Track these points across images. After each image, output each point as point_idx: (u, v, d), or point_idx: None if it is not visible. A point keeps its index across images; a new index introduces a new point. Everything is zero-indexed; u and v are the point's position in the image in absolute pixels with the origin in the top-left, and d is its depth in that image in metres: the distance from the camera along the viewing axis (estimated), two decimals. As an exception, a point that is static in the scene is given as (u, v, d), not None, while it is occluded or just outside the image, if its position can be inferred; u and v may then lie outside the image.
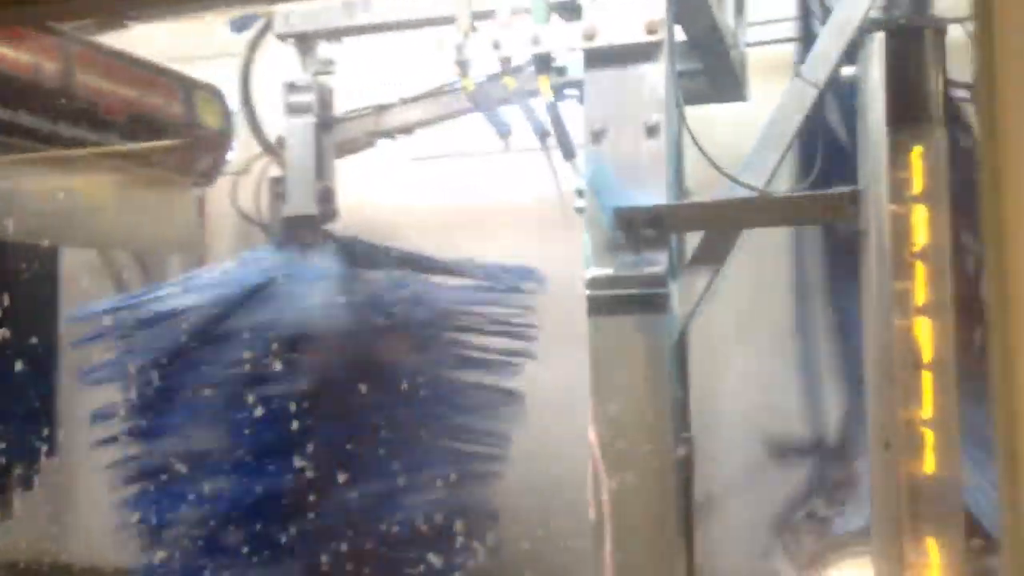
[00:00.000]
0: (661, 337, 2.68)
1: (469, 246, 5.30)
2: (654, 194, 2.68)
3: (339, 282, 4.16)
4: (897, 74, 2.40)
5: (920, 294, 2.46)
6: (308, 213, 4.19)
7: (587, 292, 2.73)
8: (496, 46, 2.82)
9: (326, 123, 4.33)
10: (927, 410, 2.44)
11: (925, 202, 2.45)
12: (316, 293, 4.04)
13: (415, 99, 4.72)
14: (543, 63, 2.84)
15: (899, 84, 2.41)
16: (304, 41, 4.22)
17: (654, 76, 2.70)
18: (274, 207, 4.43)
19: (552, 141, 4.01)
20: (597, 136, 2.74)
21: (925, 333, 2.44)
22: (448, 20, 3.34)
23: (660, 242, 2.68)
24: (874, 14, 2.62)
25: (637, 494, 2.66)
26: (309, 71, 4.29)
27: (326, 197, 4.28)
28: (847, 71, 2.60)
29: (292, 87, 4.21)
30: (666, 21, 2.66)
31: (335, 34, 4.24)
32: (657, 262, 2.68)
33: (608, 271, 2.71)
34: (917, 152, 2.46)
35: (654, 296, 2.67)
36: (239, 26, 4.70)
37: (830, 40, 2.62)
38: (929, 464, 2.43)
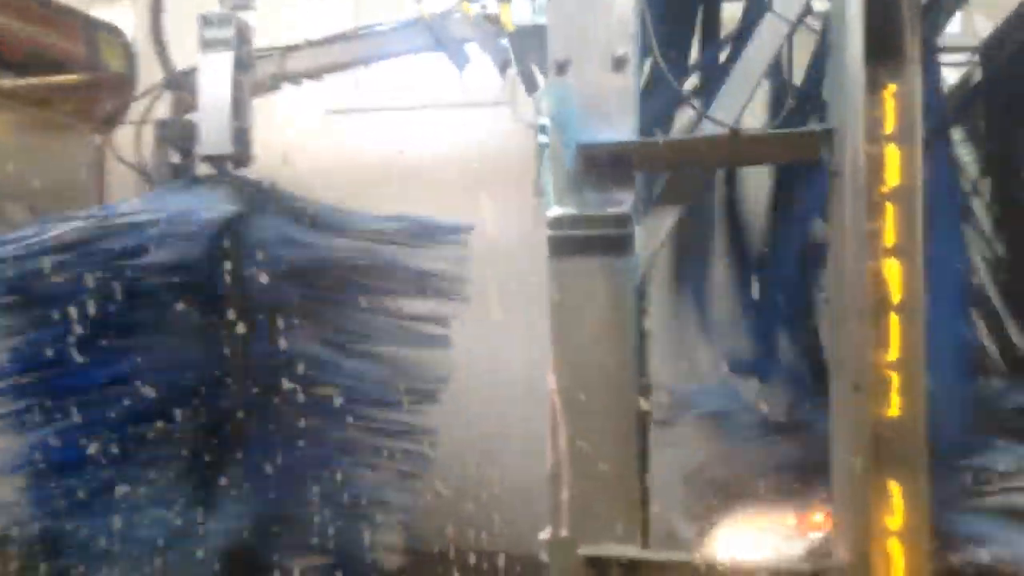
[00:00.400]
0: (625, 280, 2.59)
1: (393, 205, 5.17)
2: (620, 130, 2.58)
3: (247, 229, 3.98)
4: (875, 9, 2.34)
5: (890, 236, 2.42)
6: (223, 152, 3.99)
7: (548, 232, 2.62)
8: (454, -30, 2.67)
9: (244, 61, 4.12)
10: (894, 352, 2.41)
11: (898, 142, 2.40)
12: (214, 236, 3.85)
13: (325, 41, 4.55)
14: (499, -11, 2.72)
15: (876, 20, 2.34)
16: None
17: (622, 4, 2.58)
18: (159, 152, 4.23)
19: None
20: (561, 67, 2.61)
21: (895, 275, 2.41)
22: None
23: (625, 180, 2.58)
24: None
25: (598, 441, 2.59)
26: (227, 5, 4.08)
27: (242, 138, 4.09)
28: (818, 6, 2.53)
29: (208, 21, 3.99)
30: (636, -52, 2.55)
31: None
32: (622, 201, 2.58)
33: (571, 210, 2.61)
34: (891, 90, 2.40)
35: (619, 237, 2.58)
36: None
37: (803, -27, 2.55)
38: (895, 407, 2.41)
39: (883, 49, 2.37)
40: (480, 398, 5.16)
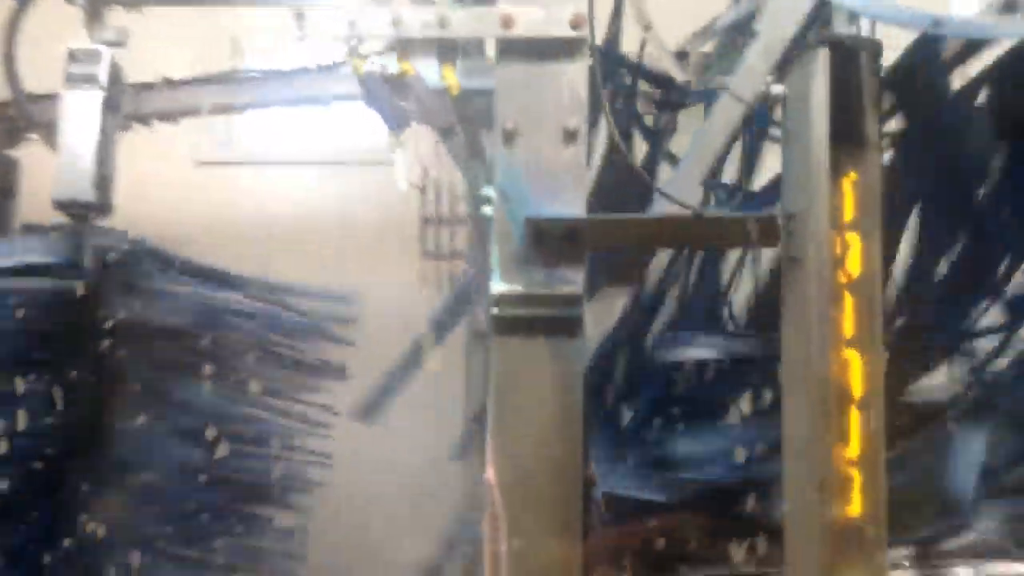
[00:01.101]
0: (573, 363, 2.42)
1: (262, 264, 4.89)
2: (570, 205, 2.43)
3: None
4: (842, 93, 2.29)
5: (849, 327, 2.35)
6: (84, 199, 3.63)
7: (493, 310, 2.44)
8: (396, 23, 2.47)
9: (114, 101, 3.80)
10: (854, 448, 2.33)
11: (859, 230, 2.35)
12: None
13: (189, 82, 4.26)
14: (449, 50, 2.54)
15: (843, 104, 2.29)
16: (95, 4, 3.69)
17: (575, 76, 2.45)
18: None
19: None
20: (509, 137, 2.46)
21: (855, 368, 2.34)
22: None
23: (575, 259, 2.43)
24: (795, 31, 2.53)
25: (542, 539, 2.38)
26: (97, 40, 3.75)
27: (105, 185, 3.75)
28: (776, 89, 2.47)
29: (75, 55, 3.66)
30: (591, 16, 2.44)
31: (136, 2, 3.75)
32: (572, 281, 2.42)
33: (517, 288, 2.43)
34: (852, 178, 2.35)
35: (568, 318, 2.41)
36: None
37: (758, 56, 2.48)
38: (855, 505, 2.32)
39: (846, 135, 2.33)
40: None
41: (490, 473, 2.42)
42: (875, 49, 2.38)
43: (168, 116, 4.28)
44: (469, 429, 5.30)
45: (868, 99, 2.37)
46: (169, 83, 4.19)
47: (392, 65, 2.83)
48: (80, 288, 3.41)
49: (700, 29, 3.59)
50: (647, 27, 3.12)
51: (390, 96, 2.79)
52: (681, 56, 3.58)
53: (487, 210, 2.47)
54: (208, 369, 3.99)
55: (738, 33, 2.97)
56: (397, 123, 2.94)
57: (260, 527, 4.14)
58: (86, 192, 3.59)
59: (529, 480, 2.40)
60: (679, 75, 3.44)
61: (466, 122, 2.58)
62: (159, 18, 4.14)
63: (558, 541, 2.39)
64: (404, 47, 2.54)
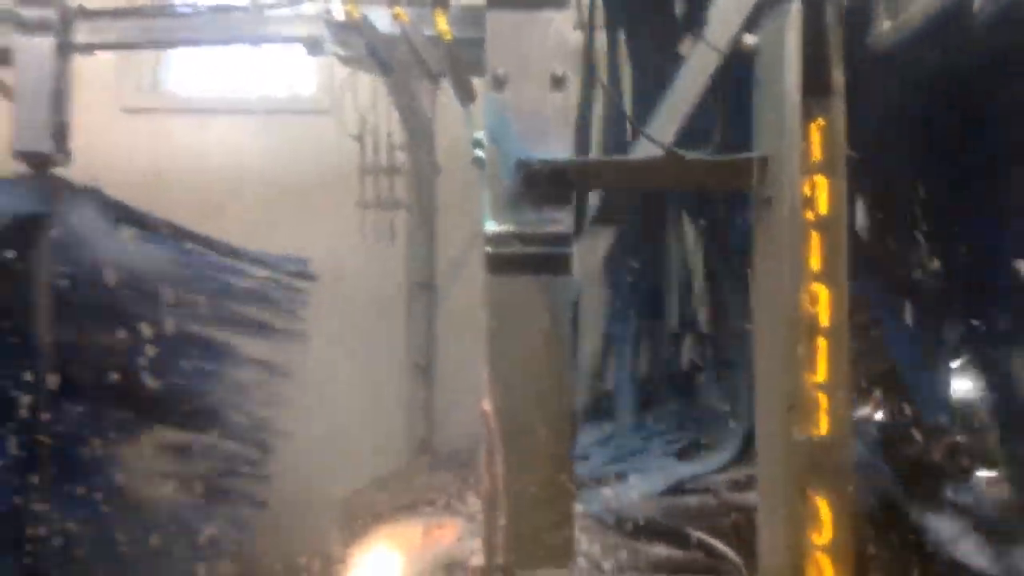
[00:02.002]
0: (562, 299, 2.56)
1: (190, 214, 4.87)
2: (558, 148, 2.55)
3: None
4: (812, 44, 2.46)
5: (817, 262, 2.54)
6: (41, 150, 3.59)
7: (486, 248, 2.55)
8: (387, -27, 2.54)
9: (67, 47, 3.73)
10: (821, 374, 2.53)
11: (826, 172, 2.53)
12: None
13: (116, 13, 4.18)
14: (439, -2, 2.61)
15: (813, 54, 2.46)
16: None
17: (562, 24, 2.56)
18: None
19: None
20: (499, 82, 2.55)
21: (823, 299, 2.53)
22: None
23: (563, 199, 2.55)
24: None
25: (534, 463, 2.53)
26: None
27: (61, 134, 3.71)
28: (749, 39, 2.62)
29: None
30: (578, -33, 2.55)
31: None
32: (560, 220, 2.55)
33: (509, 227, 2.54)
34: (819, 123, 2.53)
35: (557, 256, 2.54)
36: None
37: (732, 5, 2.63)
38: (823, 426, 2.53)
39: (814, 83, 2.50)
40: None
41: (486, 403, 2.54)
42: (841, 2, 2.55)
43: (98, 49, 4.19)
44: (412, 376, 5.42)
45: (834, 50, 2.54)
46: (101, 14, 4.08)
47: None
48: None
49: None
50: None
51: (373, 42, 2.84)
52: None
53: (479, 153, 2.56)
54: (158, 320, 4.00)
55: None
56: (385, 69, 2.99)
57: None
58: (44, 142, 3.55)
59: (522, 407, 2.54)
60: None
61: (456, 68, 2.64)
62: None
63: (549, 465, 2.54)
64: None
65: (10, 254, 3.45)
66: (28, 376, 3.55)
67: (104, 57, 5.73)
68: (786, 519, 2.49)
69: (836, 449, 2.50)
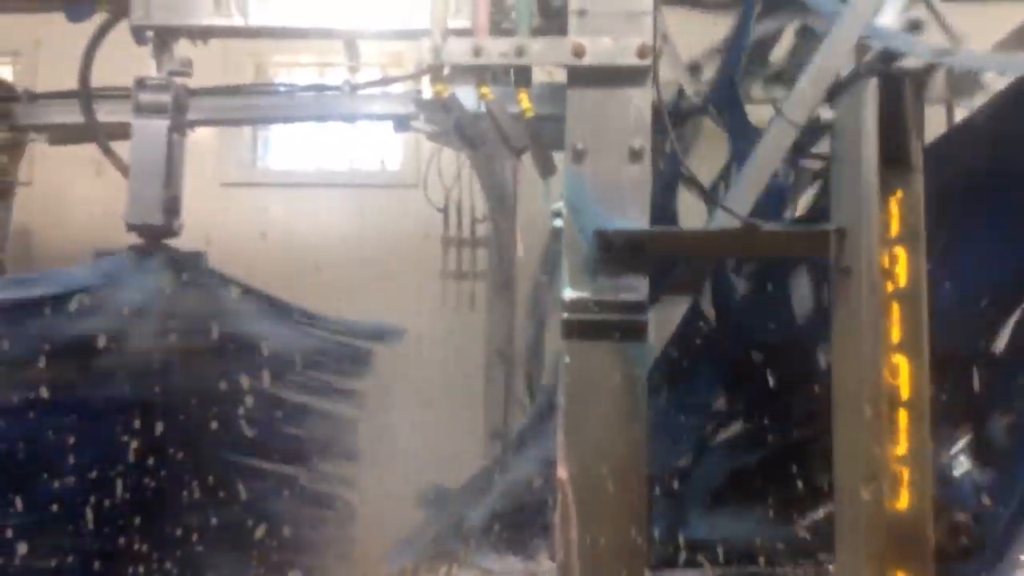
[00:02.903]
0: (637, 366, 2.59)
1: (289, 286, 5.04)
2: (635, 219, 2.61)
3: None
4: (890, 119, 2.49)
5: (897, 333, 2.53)
6: (154, 223, 3.78)
7: (564, 315, 2.61)
8: (477, 52, 2.65)
9: (180, 127, 3.95)
10: (903, 447, 2.50)
11: (904, 244, 2.54)
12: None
13: (218, 91, 4.38)
14: (524, 76, 2.72)
15: (891, 129, 2.49)
16: (163, 35, 3.84)
17: (640, 101, 2.64)
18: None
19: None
20: (579, 156, 2.64)
21: (904, 371, 2.52)
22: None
23: (639, 268, 2.61)
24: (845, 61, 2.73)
25: (609, 532, 2.54)
26: (164, 69, 3.91)
27: (173, 207, 3.90)
28: (826, 115, 2.67)
29: (143, 84, 3.81)
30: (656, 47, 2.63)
31: (204, 34, 3.90)
32: (636, 288, 2.60)
33: (586, 294, 2.60)
34: (898, 196, 2.55)
35: (633, 323, 2.59)
36: (77, 14, 4.24)
37: (811, 82, 2.68)
38: (904, 500, 2.49)
39: (892, 157, 2.52)
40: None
41: (561, 471, 2.57)
42: (919, 79, 2.59)
43: (199, 125, 4.42)
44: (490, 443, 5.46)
45: (912, 124, 2.57)
46: (202, 92, 4.29)
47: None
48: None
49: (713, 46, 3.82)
50: (664, 37, 3.30)
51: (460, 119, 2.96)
52: (694, 69, 3.80)
53: (558, 222, 2.64)
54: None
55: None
56: (470, 144, 3.11)
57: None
58: (156, 216, 3.75)
59: (596, 475, 2.56)
60: (689, 87, 3.65)
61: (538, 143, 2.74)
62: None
63: (624, 534, 2.54)
64: (481, 74, 2.72)
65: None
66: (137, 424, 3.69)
67: (206, 134, 6.12)
68: (866, 596, 2.44)
69: (917, 524, 2.45)
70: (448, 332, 5.87)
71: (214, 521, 3.80)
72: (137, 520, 3.64)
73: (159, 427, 3.66)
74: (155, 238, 3.75)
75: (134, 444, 3.59)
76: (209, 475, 3.81)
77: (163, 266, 3.74)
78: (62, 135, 4.43)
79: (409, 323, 5.58)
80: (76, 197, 6.16)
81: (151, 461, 3.67)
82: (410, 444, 5.67)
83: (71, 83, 4.05)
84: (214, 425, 3.84)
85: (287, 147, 6.76)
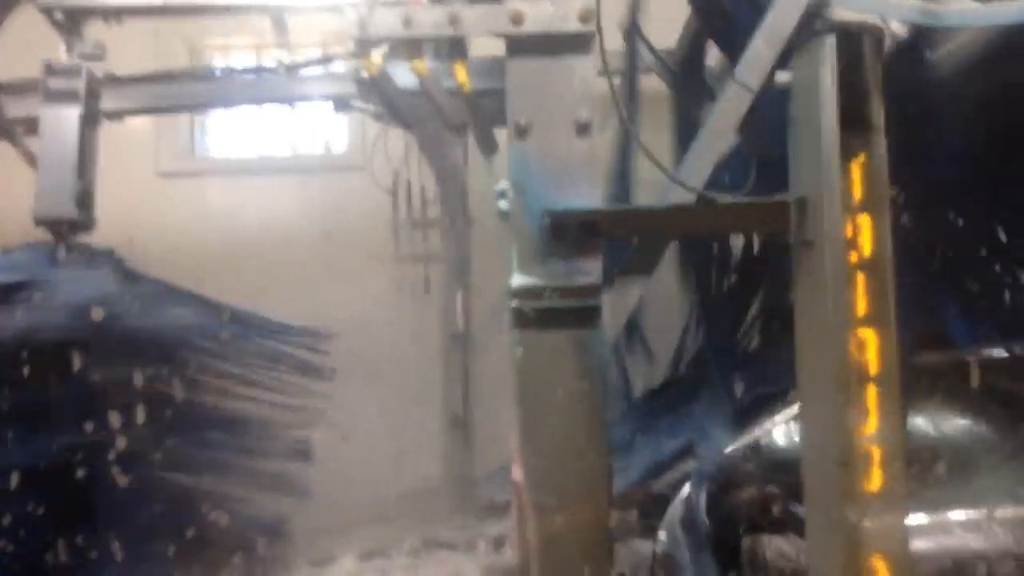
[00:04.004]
0: (594, 354, 2.44)
1: (234, 279, 4.85)
2: (586, 197, 2.45)
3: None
4: (849, 79, 2.35)
5: (863, 306, 2.41)
6: (67, 216, 3.54)
7: (512, 303, 2.45)
8: (407, 23, 2.47)
9: (93, 115, 3.71)
10: (872, 425, 2.38)
11: (868, 211, 2.40)
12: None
13: (148, 78, 4.16)
14: (459, 48, 2.55)
15: (851, 89, 2.35)
16: (73, 16, 3.61)
17: (584, 69, 2.48)
18: None
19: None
20: (522, 131, 2.47)
21: (871, 346, 2.39)
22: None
23: (593, 249, 2.45)
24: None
25: (569, 533, 2.40)
26: (75, 53, 3.67)
27: (86, 201, 3.66)
28: (782, 76, 2.52)
29: (53, 70, 3.57)
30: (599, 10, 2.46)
31: (118, 13, 3.67)
32: (590, 271, 2.45)
33: (536, 280, 2.44)
34: (860, 160, 2.41)
35: (588, 309, 2.43)
36: None
37: (764, 44, 2.52)
38: (876, 480, 2.37)
39: (853, 120, 2.38)
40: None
41: (516, 472, 2.42)
42: (878, 35, 2.44)
43: (128, 114, 4.19)
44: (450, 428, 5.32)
45: (873, 84, 2.43)
46: (131, 80, 4.07)
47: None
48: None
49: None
50: None
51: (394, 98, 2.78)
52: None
53: (503, 204, 2.48)
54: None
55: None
56: (408, 124, 2.93)
57: None
58: (69, 209, 3.51)
59: (555, 472, 2.41)
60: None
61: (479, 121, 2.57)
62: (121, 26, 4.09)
63: (585, 528, 2.41)
64: (416, 48, 2.54)
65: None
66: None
67: (141, 123, 5.86)
68: (841, 580, 2.33)
69: (891, 503, 2.34)
70: (402, 317, 5.71)
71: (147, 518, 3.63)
72: (63, 524, 3.44)
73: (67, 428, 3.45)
74: (66, 233, 3.52)
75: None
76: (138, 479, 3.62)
77: (70, 262, 3.52)
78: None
79: (362, 309, 5.46)
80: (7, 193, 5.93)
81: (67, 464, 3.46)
82: (366, 430, 5.52)
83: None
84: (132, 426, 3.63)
85: (227, 134, 6.52)
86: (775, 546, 2.88)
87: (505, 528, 3.66)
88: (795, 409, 3.01)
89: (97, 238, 4.06)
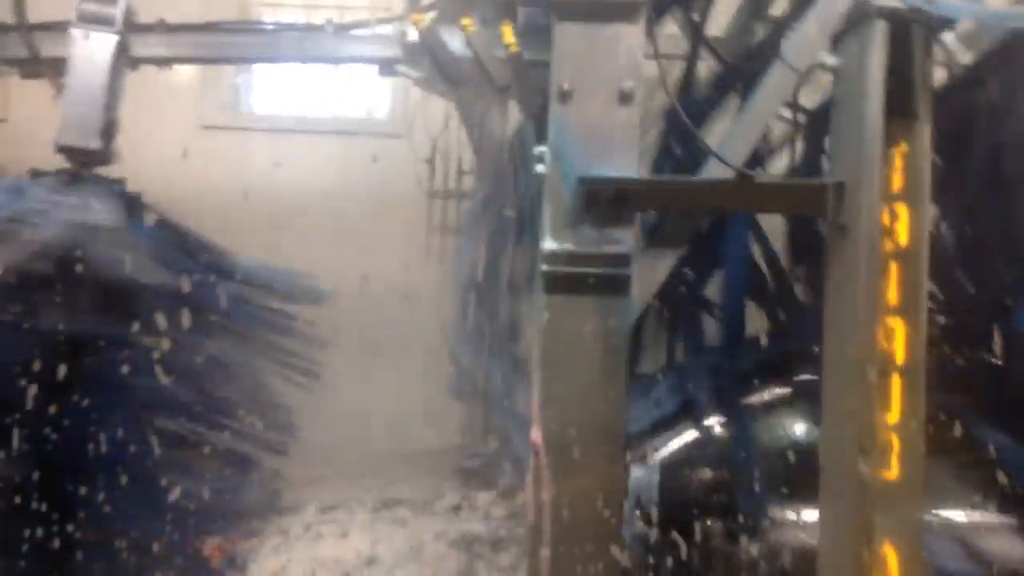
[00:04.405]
0: (620, 322, 2.44)
1: (265, 234, 4.88)
2: (622, 166, 2.45)
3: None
4: (897, 66, 2.32)
5: (894, 295, 2.39)
6: (90, 147, 3.50)
7: (542, 267, 2.45)
8: (458, -16, 2.48)
9: (126, 45, 3.66)
10: (895, 415, 2.37)
11: (907, 200, 2.38)
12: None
13: (198, 27, 4.15)
14: (508, 9, 2.54)
15: (898, 76, 2.33)
16: None
17: (631, 38, 2.47)
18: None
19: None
20: (564, 96, 2.47)
21: (899, 335, 2.38)
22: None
23: (625, 219, 2.45)
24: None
25: (584, 495, 2.41)
26: None
27: (110, 132, 3.61)
28: (829, 60, 2.50)
29: None
30: (650, -21, 2.45)
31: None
32: (621, 240, 2.44)
33: (567, 246, 2.44)
34: (902, 149, 2.39)
35: (617, 277, 2.43)
36: None
37: (815, 26, 2.50)
38: (894, 470, 2.36)
39: (898, 107, 2.36)
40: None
41: (535, 433, 2.43)
42: (930, 22, 2.42)
43: (175, 62, 4.18)
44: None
45: (921, 72, 2.41)
46: (179, 27, 4.05)
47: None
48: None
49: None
50: None
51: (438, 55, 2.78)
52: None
53: (540, 168, 2.47)
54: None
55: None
56: (453, 84, 2.92)
57: None
58: (93, 139, 3.47)
59: (573, 435, 2.42)
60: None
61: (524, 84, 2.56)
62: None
63: (598, 491, 2.41)
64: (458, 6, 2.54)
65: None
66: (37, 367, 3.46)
67: (187, 77, 5.89)
68: (850, 567, 2.32)
69: (907, 494, 2.33)
70: (431, 285, 5.73)
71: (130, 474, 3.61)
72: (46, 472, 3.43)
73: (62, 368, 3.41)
74: (88, 163, 3.49)
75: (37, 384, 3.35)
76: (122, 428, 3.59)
77: (87, 194, 3.48)
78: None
79: (394, 274, 5.50)
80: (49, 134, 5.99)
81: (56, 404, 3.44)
82: (387, 396, 5.56)
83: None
84: (124, 370, 3.59)
85: (270, 92, 6.56)
86: (723, 529, 2.91)
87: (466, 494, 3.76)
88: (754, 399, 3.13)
89: (136, 184, 4.10)
